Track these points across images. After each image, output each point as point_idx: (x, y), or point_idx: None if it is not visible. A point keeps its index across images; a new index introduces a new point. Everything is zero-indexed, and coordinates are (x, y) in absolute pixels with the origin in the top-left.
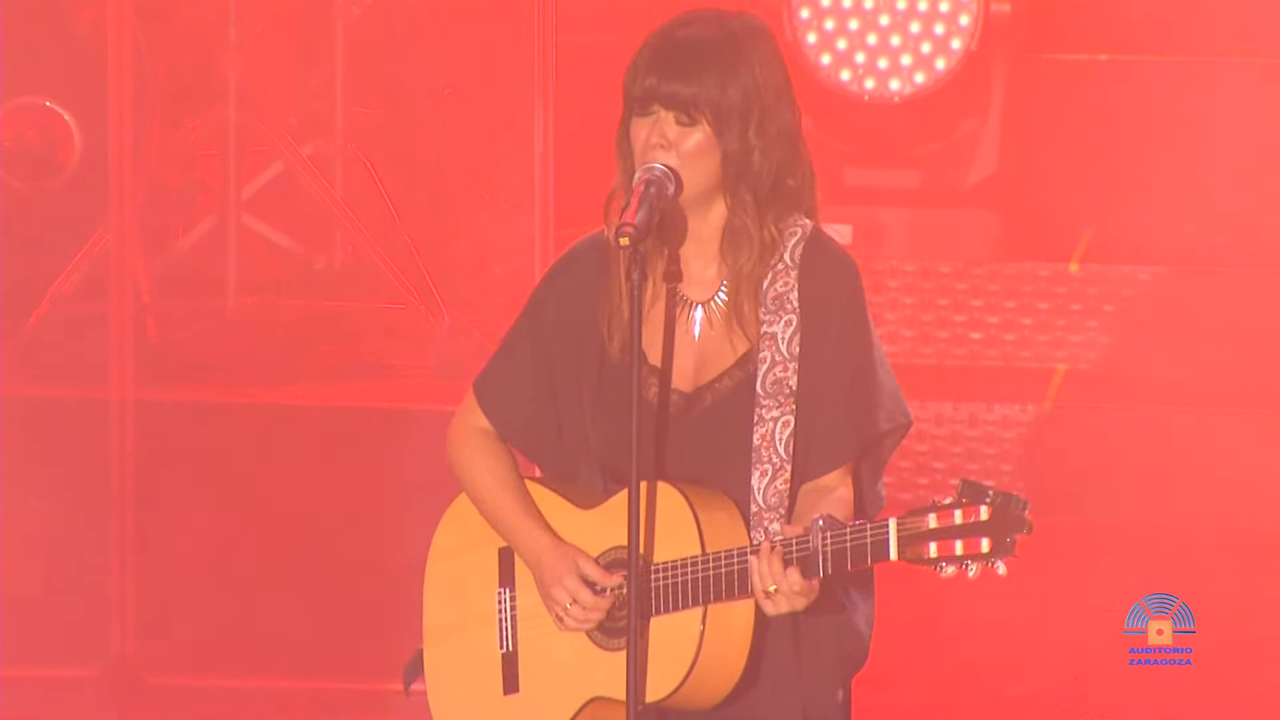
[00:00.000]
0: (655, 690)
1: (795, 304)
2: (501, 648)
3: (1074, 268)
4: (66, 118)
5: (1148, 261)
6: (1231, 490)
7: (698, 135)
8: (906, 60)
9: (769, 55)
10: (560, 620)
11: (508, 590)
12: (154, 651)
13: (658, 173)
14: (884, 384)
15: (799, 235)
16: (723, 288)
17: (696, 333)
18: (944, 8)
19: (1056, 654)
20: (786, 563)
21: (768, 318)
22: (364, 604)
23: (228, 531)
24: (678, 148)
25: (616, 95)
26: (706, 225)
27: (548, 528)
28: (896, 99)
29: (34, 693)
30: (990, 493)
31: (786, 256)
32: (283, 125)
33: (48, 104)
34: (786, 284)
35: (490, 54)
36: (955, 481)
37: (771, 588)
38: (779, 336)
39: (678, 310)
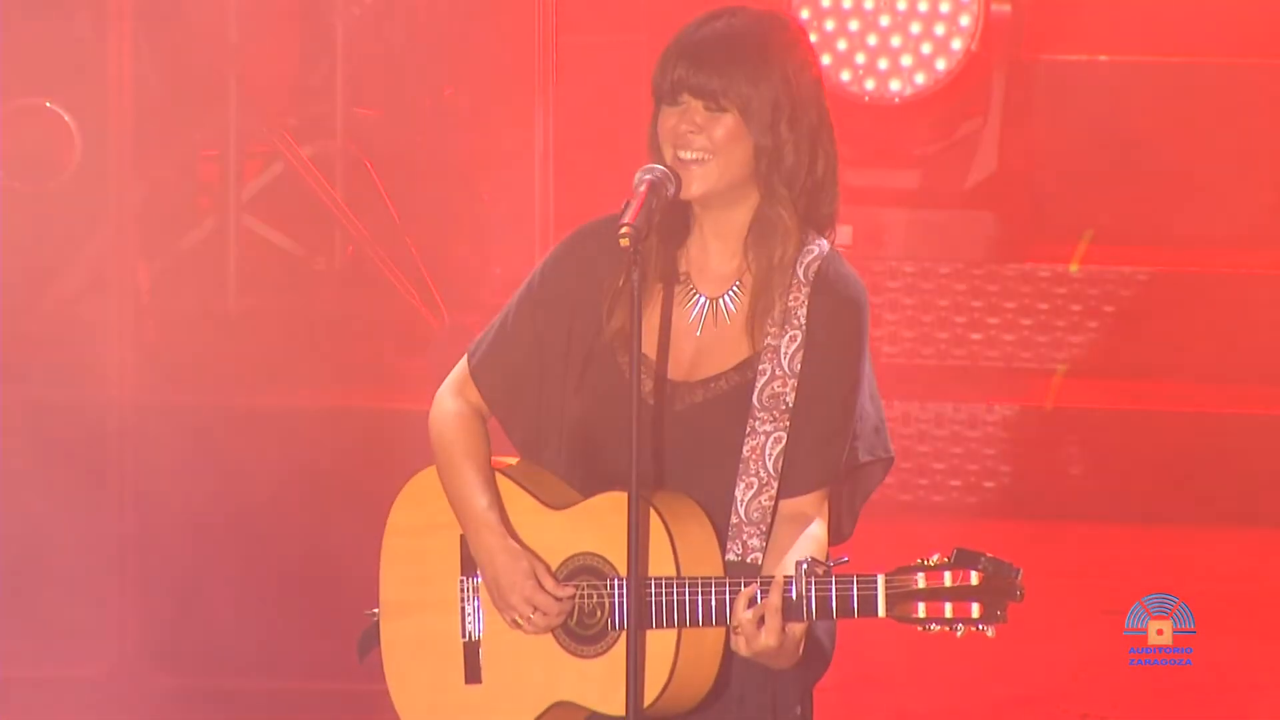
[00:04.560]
0: (625, 707)
1: (803, 321)
2: (464, 636)
3: (1074, 268)
4: (66, 118)
5: (1147, 262)
6: (1232, 490)
7: (728, 120)
8: (907, 61)
9: (801, 54)
10: (517, 625)
11: (470, 579)
12: (154, 651)
13: (658, 174)
14: (869, 416)
15: (816, 253)
16: (735, 286)
17: (700, 326)
18: (944, 8)
19: (1056, 654)
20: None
21: (773, 330)
22: (363, 605)
23: (227, 532)
24: (709, 132)
25: (617, 95)
26: (732, 221)
27: (506, 531)
28: (897, 100)
29: (34, 693)
30: (983, 559)
31: (800, 272)
32: (283, 125)
33: (48, 104)
34: (797, 300)
35: (490, 54)
36: (947, 557)
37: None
38: (782, 351)
39: (686, 301)
